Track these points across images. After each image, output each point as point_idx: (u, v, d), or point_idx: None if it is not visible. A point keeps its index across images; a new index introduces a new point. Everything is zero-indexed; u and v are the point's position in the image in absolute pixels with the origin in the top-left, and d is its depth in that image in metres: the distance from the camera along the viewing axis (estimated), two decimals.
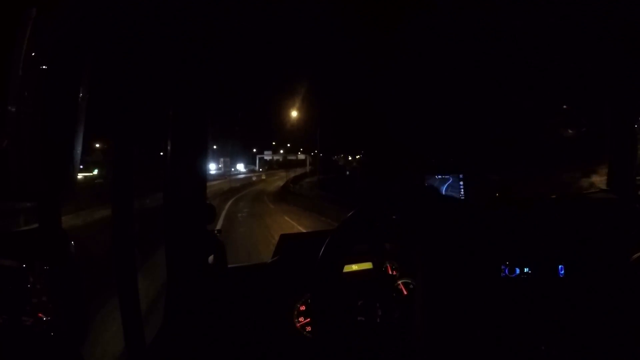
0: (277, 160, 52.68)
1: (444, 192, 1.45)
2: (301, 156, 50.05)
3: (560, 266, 1.08)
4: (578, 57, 1.39)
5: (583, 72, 1.44)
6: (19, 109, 0.47)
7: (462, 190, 1.44)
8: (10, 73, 0.47)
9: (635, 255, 1.04)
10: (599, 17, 1.14)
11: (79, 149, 0.52)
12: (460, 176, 1.44)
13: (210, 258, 1.01)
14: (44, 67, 0.48)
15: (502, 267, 1.04)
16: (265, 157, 53.02)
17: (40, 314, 0.58)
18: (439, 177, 1.47)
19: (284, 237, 1.22)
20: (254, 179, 33.44)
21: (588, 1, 1.09)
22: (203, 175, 0.99)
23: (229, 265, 1.08)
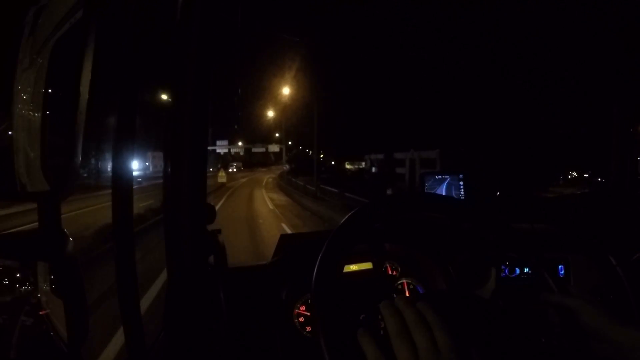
0: (237, 153, 34.61)
1: (444, 192, 1.45)
2: (273, 148, 33.77)
3: (560, 266, 1.08)
4: (579, 58, 1.39)
5: (583, 72, 1.44)
6: (19, 109, 0.47)
7: (462, 190, 1.44)
8: (10, 73, 0.47)
9: (636, 256, 1.04)
10: (599, 17, 1.14)
11: (79, 150, 0.52)
12: (460, 176, 1.44)
13: (211, 258, 1.01)
14: (44, 67, 0.48)
15: (502, 267, 1.04)
16: (219, 150, 33.70)
17: (40, 314, 0.58)
18: (439, 177, 1.47)
19: (284, 237, 1.22)
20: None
21: (589, 2, 1.09)
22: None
23: (229, 265, 1.08)
